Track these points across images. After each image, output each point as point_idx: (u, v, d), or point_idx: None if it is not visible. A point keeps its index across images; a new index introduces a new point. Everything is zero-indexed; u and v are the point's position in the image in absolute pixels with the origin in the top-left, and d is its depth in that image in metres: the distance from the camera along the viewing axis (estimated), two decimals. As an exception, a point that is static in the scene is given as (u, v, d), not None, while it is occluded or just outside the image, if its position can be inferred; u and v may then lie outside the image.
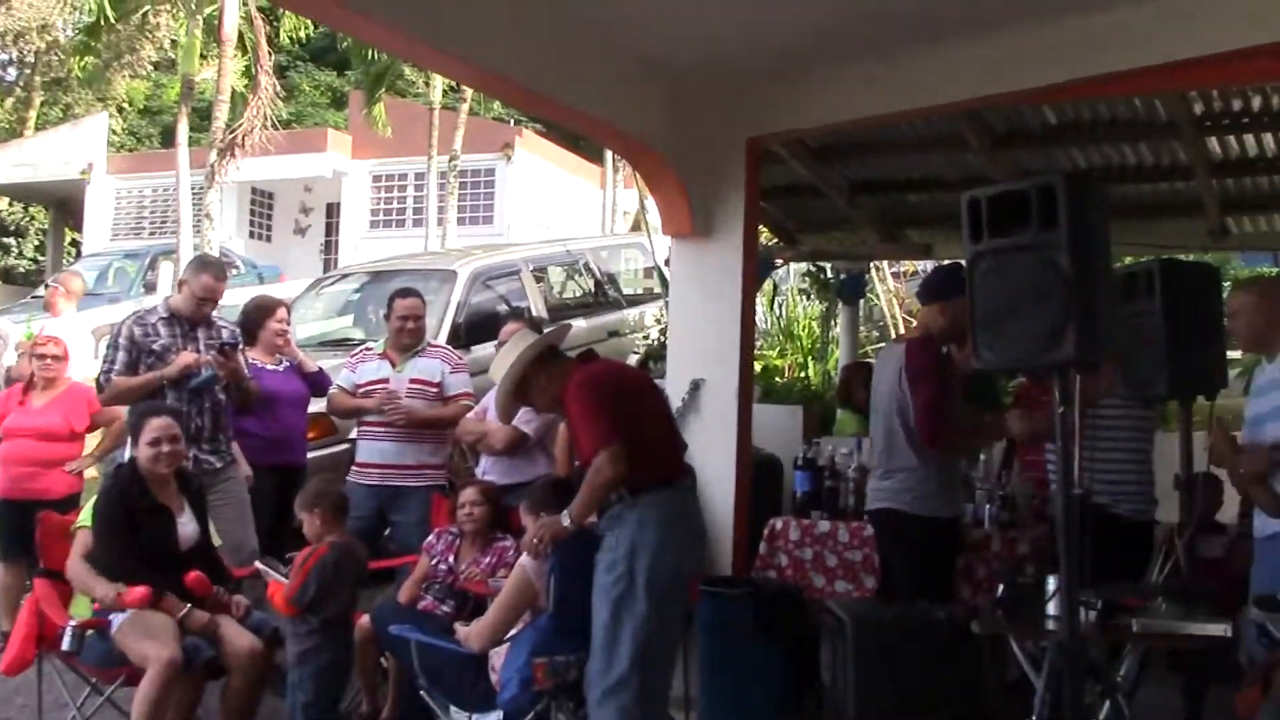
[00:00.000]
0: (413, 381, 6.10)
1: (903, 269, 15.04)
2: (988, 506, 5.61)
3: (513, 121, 28.45)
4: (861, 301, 11.69)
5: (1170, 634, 3.78)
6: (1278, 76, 5.72)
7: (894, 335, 13.09)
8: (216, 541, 5.22)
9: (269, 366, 6.25)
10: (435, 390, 6.11)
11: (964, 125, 6.78)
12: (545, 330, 4.99)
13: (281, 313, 6.42)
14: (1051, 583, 3.81)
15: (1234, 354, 7.33)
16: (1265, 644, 3.78)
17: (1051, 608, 3.77)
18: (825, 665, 4.51)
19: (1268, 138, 6.97)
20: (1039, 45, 4.95)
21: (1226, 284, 12.90)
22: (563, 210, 25.41)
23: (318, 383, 6.40)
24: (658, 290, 11.02)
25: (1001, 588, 4.23)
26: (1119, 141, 7.16)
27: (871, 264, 12.10)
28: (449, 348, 6.72)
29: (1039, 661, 3.92)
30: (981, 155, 7.16)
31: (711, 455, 5.86)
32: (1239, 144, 7.09)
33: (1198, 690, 4.82)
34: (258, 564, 4.98)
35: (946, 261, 7.24)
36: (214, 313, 5.94)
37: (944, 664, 4.29)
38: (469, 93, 21.68)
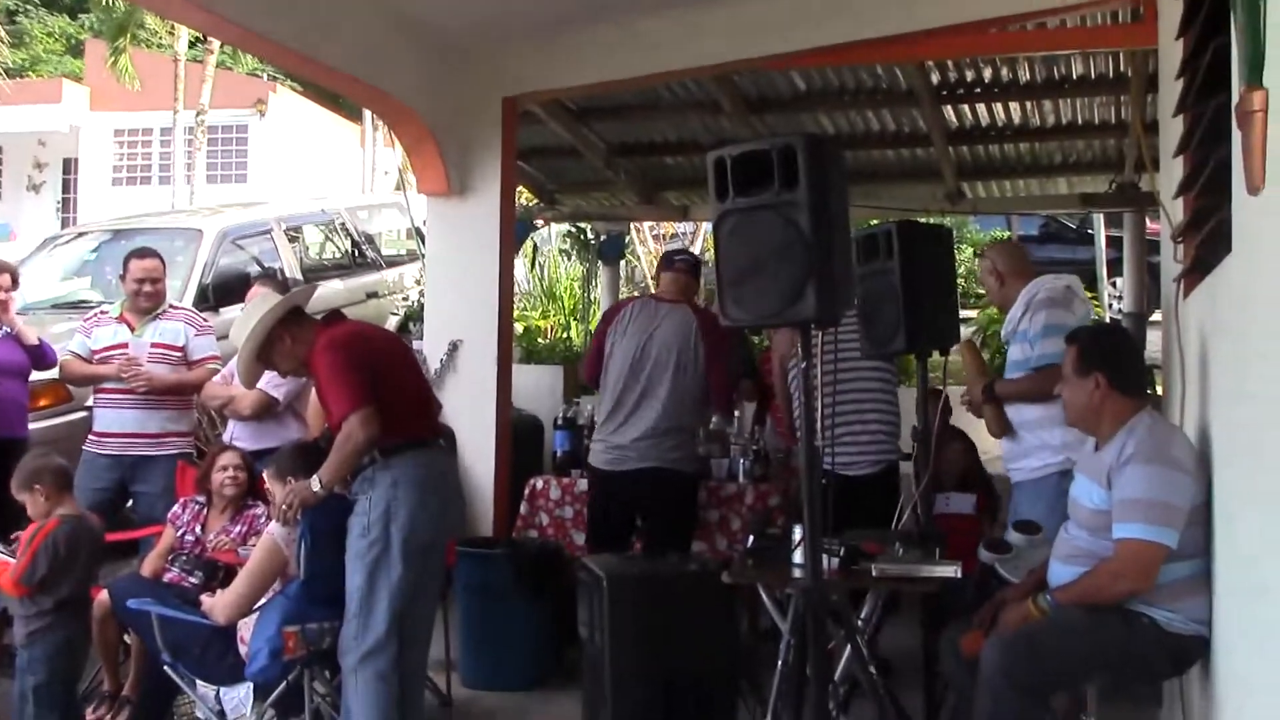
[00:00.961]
0: (155, 346, 5.81)
1: (662, 230, 15.29)
2: (742, 461, 5.78)
3: (267, 77, 27.39)
4: (622, 262, 11.82)
5: (904, 577, 3.98)
6: (1006, 48, 6.07)
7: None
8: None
9: (-15, 332, 5.81)
10: (179, 354, 5.84)
11: (717, 90, 6.91)
12: (291, 291, 4.83)
13: (4, 279, 5.96)
14: (798, 532, 3.94)
15: (969, 313, 7.77)
16: (995, 585, 4.03)
17: (797, 556, 3.90)
18: (583, 622, 4.55)
19: (998, 107, 7.39)
20: (780, 13, 5.11)
21: (968, 247, 13.62)
22: (321, 169, 24.67)
23: (39, 356, 5.96)
24: (419, 251, 10.81)
25: (751, 539, 4.37)
26: (864, 108, 7.45)
27: (631, 225, 12.27)
28: (193, 310, 6.43)
29: (787, 608, 4.05)
30: (735, 119, 7.32)
31: (471, 416, 5.85)
32: (973, 113, 7.49)
33: (934, 631, 5.08)
34: (-25, 544, 4.64)
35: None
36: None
37: (698, 615, 4.38)
38: (216, 44, 20.74)
